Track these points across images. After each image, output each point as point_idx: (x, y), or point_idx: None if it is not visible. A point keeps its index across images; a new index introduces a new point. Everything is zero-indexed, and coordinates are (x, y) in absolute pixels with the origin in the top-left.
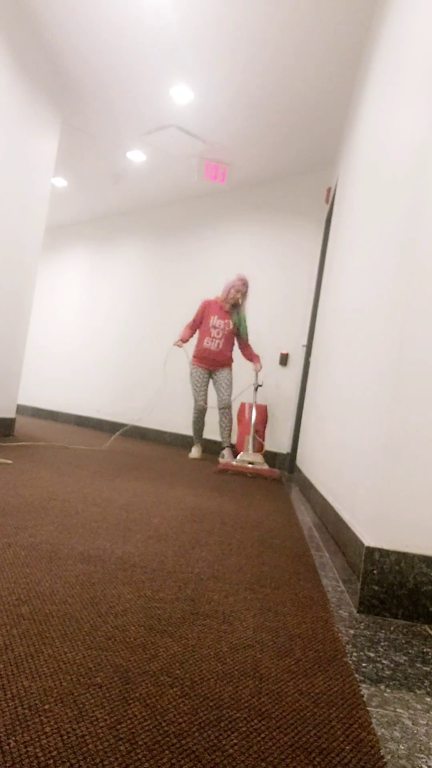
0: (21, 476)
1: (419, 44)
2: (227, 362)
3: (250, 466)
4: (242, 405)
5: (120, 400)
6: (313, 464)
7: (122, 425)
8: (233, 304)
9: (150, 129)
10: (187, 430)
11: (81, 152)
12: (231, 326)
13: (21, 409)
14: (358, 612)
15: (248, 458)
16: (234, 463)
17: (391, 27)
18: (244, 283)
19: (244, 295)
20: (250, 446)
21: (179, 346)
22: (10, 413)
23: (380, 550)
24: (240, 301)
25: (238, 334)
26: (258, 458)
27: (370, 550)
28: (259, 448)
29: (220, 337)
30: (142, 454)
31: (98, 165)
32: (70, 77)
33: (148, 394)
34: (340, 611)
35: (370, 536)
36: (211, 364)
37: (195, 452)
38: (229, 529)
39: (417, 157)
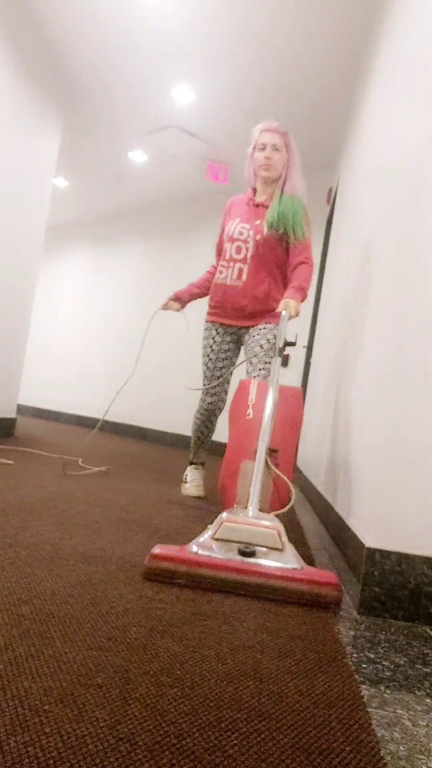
0: (22, 476)
1: (423, 44)
2: (268, 309)
3: (246, 567)
4: (242, 384)
5: (121, 399)
6: (314, 465)
7: (123, 425)
8: (272, 181)
9: (152, 129)
10: (187, 429)
11: (82, 152)
12: (265, 230)
13: (22, 409)
14: (358, 613)
15: (242, 535)
16: (197, 552)
17: (394, 27)
18: (280, 130)
19: (278, 150)
20: (254, 496)
21: (172, 308)
22: (11, 413)
23: (381, 551)
24: (278, 169)
25: (287, 239)
26: (269, 538)
27: (371, 551)
28: (279, 499)
29: (242, 257)
30: (142, 455)
31: (100, 165)
32: (72, 77)
33: (149, 394)
34: (341, 612)
35: (371, 537)
36: (235, 315)
37: (190, 482)
38: None
39: (419, 156)
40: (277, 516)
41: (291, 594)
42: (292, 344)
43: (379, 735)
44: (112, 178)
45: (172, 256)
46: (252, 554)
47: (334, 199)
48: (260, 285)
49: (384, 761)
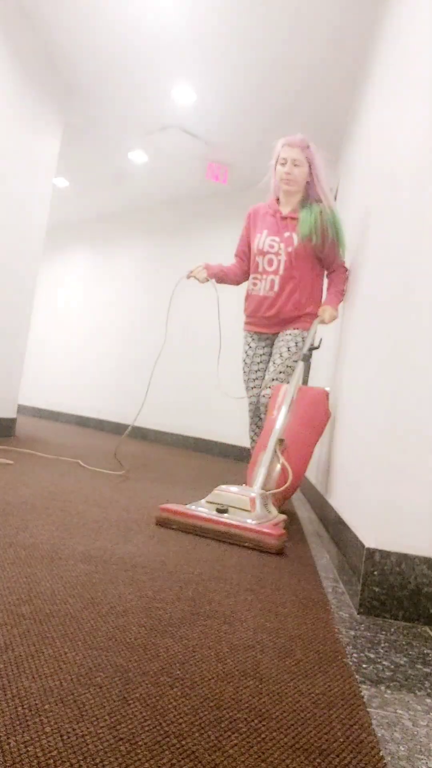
0: (22, 476)
1: (424, 45)
2: (295, 316)
3: (216, 518)
4: (276, 389)
5: (122, 400)
6: (314, 465)
7: (123, 425)
8: (294, 193)
9: (152, 130)
10: (187, 430)
11: (82, 152)
12: (295, 242)
13: (22, 409)
14: (358, 613)
15: (223, 499)
16: (190, 508)
17: (395, 27)
18: (301, 145)
19: (298, 166)
20: (260, 477)
21: (198, 275)
22: (11, 413)
23: (381, 552)
24: (299, 183)
25: (322, 250)
26: (242, 502)
27: (371, 552)
28: (281, 482)
29: (274, 269)
30: (142, 455)
31: (100, 165)
32: (73, 78)
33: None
34: (341, 612)
35: (371, 537)
36: (267, 323)
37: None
38: None
39: (419, 158)
40: (271, 493)
41: (242, 540)
42: (316, 348)
43: (379, 735)
44: (113, 178)
45: (172, 256)
46: (225, 512)
47: (336, 200)
48: (292, 294)
49: (384, 761)
